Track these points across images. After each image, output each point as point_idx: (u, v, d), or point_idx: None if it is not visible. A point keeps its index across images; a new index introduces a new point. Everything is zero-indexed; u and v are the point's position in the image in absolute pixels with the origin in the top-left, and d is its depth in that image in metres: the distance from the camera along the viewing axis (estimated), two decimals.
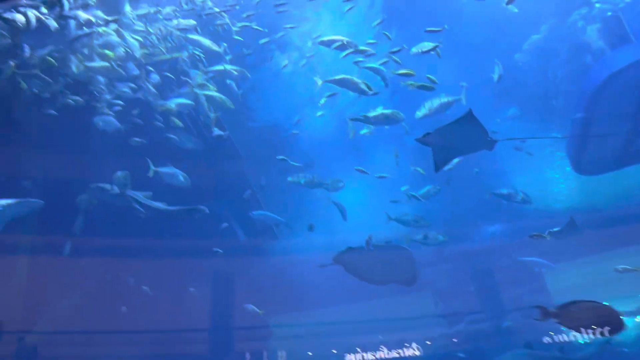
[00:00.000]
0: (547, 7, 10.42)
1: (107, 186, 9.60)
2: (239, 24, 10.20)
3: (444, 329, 12.96)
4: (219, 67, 10.20)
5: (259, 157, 11.99)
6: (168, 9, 9.78)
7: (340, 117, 10.89)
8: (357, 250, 9.01)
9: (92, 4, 8.71)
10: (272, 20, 9.94)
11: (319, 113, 11.06)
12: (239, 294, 12.86)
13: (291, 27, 10.15)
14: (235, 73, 10.10)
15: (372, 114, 8.85)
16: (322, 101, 10.39)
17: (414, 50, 8.69)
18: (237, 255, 13.10)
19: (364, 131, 10.48)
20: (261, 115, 12.07)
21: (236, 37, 10.31)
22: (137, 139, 9.47)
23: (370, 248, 8.94)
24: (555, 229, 9.09)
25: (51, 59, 8.17)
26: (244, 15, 10.11)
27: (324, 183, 11.45)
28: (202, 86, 9.79)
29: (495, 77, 9.44)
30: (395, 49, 8.85)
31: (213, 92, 9.90)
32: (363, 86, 8.79)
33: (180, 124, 9.81)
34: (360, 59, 9.29)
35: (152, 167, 9.47)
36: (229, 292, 13.24)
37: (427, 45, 8.59)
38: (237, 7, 10.19)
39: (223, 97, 9.90)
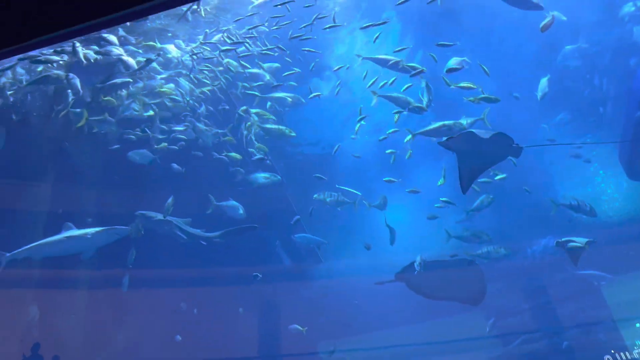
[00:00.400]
0: (591, 11, 10.20)
1: (152, 213, 9.90)
2: (264, 50, 10.34)
3: (497, 350, 12.51)
4: (274, 95, 10.36)
5: (300, 180, 12.04)
6: (217, 37, 9.97)
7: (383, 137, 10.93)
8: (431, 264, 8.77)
9: (135, 42, 9.09)
10: (310, 44, 10.05)
11: (353, 136, 11.11)
12: (286, 320, 12.78)
13: (309, 51, 10.15)
14: (290, 100, 10.23)
15: (434, 125, 8.76)
16: (357, 128, 10.51)
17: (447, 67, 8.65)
18: (282, 280, 13.10)
19: (389, 150, 10.53)
20: (301, 139, 12.14)
21: (298, 71, 10.39)
22: (176, 166, 9.73)
23: (421, 270, 8.73)
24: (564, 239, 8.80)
25: (112, 99, 8.53)
26: (262, 50, 10.26)
27: (348, 202, 11.48)
28: (261, 117, 9.95)
29: (539, 95, 9.27)
30: (416, 71, 8.88)
31: (272, 125, 10.08)
32: (414, 105, 8.78)
33: (239, 157, 10.03)
34: (384, 83, 9.35)
35: (214, 202, 9.75)
36: (276, 318, 13.19)
37: (455, 61, 8.55)
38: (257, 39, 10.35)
39: (282, 127, 10.06)
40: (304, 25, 9.70)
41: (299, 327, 11.47)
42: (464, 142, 7.29)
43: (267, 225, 11.72)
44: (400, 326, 13.18)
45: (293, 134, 10.22)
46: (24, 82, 8.83)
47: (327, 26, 9.50)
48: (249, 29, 9.97)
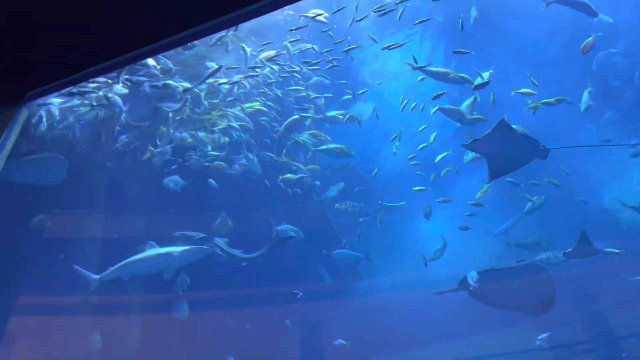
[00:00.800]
0: (630, 11, 10.04)
1: (191, 233, 10.06)
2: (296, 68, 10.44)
3: None
4: (330, 113, 10.50)
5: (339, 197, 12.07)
6: (264, 55, 10.11)
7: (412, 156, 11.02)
8: (487, 273, 8.62)
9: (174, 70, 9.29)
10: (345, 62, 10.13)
11: (394, 151, 11.25)
12: (329, 337, 12.71)
13: (332, 67, 10.18)
14: (341, 117, 10.35)
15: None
16: (394, 149, 10.76)
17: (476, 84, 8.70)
18: (324, 298, 13.08)
19: (413, 162, 10.77)
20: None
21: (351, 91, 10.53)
22: (212, 181, 9.91)
23: (471, 287, 8.57)
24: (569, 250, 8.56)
25: (163, 129, 8.78)
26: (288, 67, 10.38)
27: (370, 213, 11.63)
28: (316, 137, 10.09)
29: (582, 107, 9.16)
30: (438, 93, 8.95)
31: (331, 145, 10.22)
32: (468, 118, 8.80)
33: (294, 177, 10.17)
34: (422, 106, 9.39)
35: (275, 227, 10.07)
36: (319, 336, 13.13)
37: (483, 77, 8.56)
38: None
39: (341, 145, 10.18)
40: (325, 50, 9.90)
41: (343, 342, 11.49)
42: (488, 145, 7.27)
43: (307, 243, 11.76)
44: (445, 341, 12.93)
45: (352, 152, 10.31)
46: (71, 115, 9.18)
47: (346, 49, 9.62)
48: (272, 54, 10.10)
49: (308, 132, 10.29)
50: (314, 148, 10.34)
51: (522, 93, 8.50)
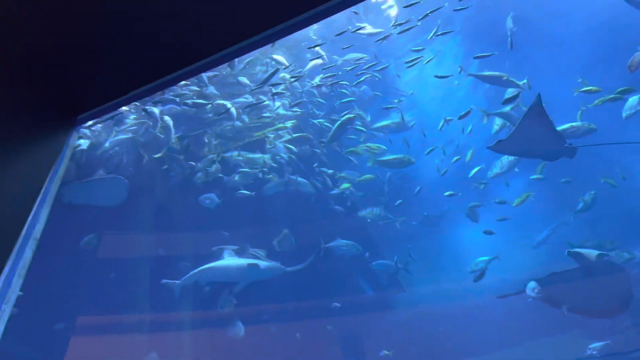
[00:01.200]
0: None
1: (229, 247, 10.19)
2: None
3: None
4: (381, 124, 10.51)
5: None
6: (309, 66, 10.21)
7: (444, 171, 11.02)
8: (561, 275, 8.35)
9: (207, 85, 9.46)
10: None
11: (437, 161, 11.30)
12: (371, 350, 12.59)
13: (360, 80, 10.22)
14: (395, 126, 10.40)
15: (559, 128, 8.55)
16: (437, 166, 10.84)
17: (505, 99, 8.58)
18: (365, 310, 12.99)
19: (443, 172, 10.83)
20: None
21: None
22: (245, 191, 10.03)
23: (529, 299, 8.36)
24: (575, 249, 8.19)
25: (215, 155, 8.96)
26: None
27: (392, 217, 11.66)
28: (371, 150, 10.14)
29: (625, 114, 8.91)
30: (464, 111, 8.90)
31: (389, 156, 10.26)
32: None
33: (348, 185, 10.19)
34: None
35: (324, 244, 10.21)
36: (361, 349, 13.04)
37: (512, 90, 8.50)
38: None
39: (400, 155, 10.19)
40: (351, 68, 9.95)
41: (387, 352, 11.40)
42: (511, 146, 7.14)
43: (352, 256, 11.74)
44: (491, 352, 12.66)
45: (413, 160, 10.31)
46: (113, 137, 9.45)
47: (368, 65, 9.62)
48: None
49: (364, 145, 10.33)
50: (375, 159, 10.34)
51: (585, 91, 8.28)
